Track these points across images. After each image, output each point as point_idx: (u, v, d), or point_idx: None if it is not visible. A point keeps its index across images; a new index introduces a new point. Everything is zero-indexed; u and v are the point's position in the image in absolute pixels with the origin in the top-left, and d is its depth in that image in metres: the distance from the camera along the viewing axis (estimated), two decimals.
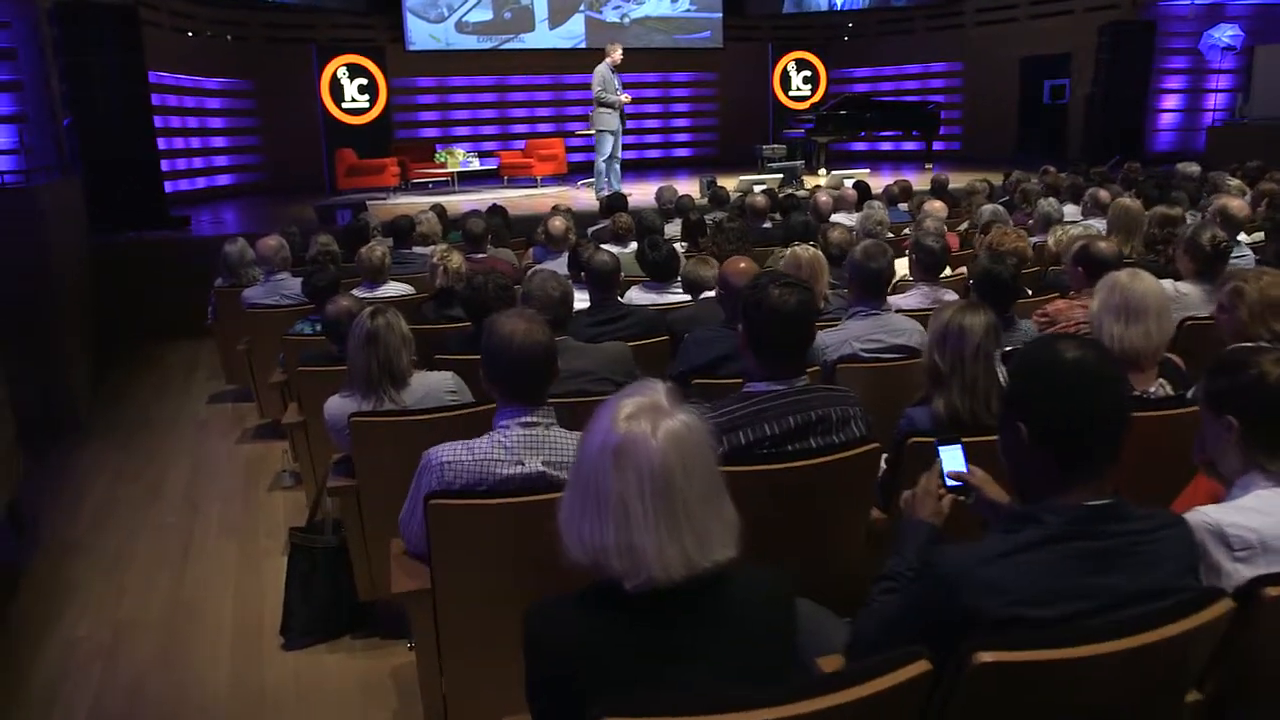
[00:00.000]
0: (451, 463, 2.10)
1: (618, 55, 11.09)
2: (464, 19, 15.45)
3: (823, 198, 7.41)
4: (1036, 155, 15.82)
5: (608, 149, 11.10)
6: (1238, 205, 5.28)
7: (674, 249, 4.97)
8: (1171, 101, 15.45)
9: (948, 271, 5.22)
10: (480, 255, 5.58)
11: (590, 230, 7.31)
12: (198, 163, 12.98)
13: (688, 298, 4.69)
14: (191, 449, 5.46)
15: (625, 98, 11.00)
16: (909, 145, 16.62)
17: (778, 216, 7.72)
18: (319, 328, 4.41)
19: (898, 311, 3.62)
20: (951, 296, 4.55)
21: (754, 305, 2.19)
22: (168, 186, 10.61)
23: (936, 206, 6.38)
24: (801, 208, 7.90)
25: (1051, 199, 7.09)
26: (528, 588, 2.17)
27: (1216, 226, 4.07)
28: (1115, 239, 4.63)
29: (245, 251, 5.99)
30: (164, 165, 10.66)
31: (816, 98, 17.08)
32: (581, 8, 16.30)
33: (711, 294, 4.25)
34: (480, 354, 2.19)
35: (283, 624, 3.21)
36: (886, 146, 17.25)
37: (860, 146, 17.11)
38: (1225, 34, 14.93)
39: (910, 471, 2.38)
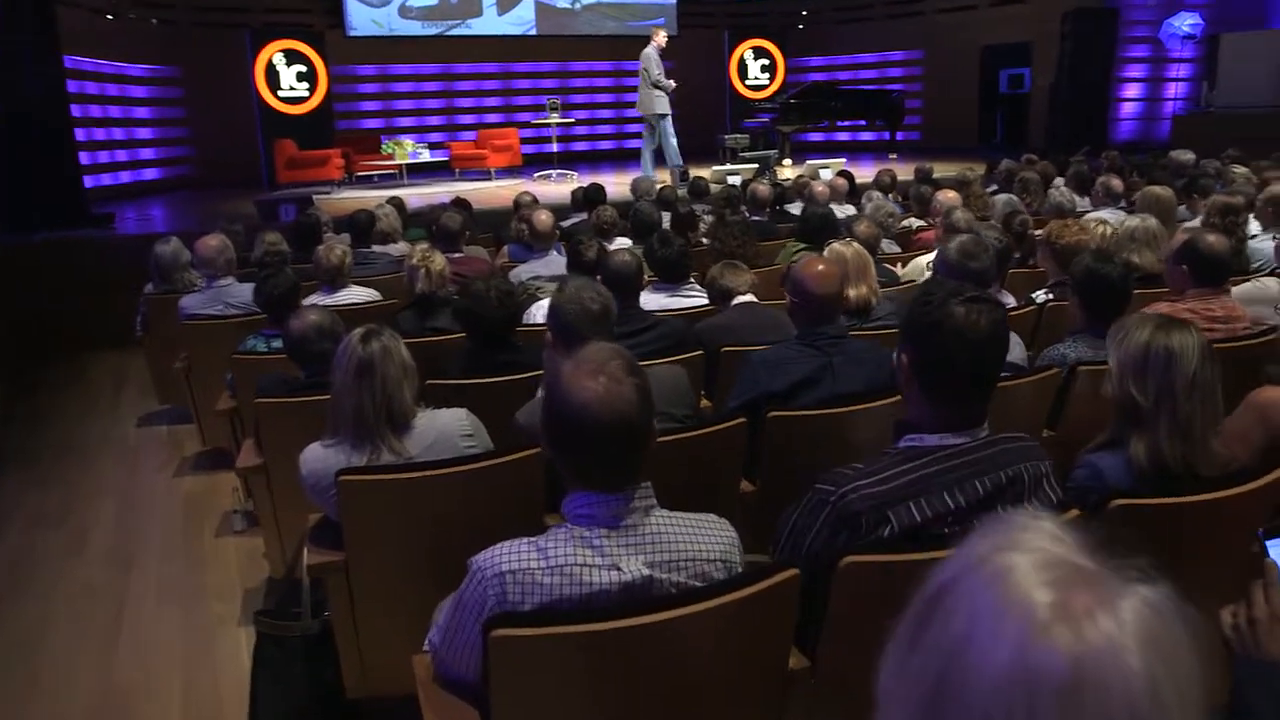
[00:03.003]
0: (516, 573, 1.44)
1: (662, 39, 11.28)
2: (407, 3, 14.60)
3: (819, 187, 6.85)
4: (999, 144, 15.56)
5: (659, 132, 11.20)
6: None
7: (685, 245, 4.37)
8: (1133, 90, 15.29)
9: None
10: (457, 254, 4.89)
11: (564, 225, 6.65)
12: (121, 155, 11.97)
13: (703, 300, 4.10)
14: (122, 484, 4.67)
15: (671, 83, 11.10)
16: (867, 135, 16.23)
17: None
18: (274, 345, 3.71)
19: None
20: (1010, 300, 4.01)
21: (930, 329, 1.57)
22: (87, 181, 9.66)
23: (952, 197, 5.84)
24: (796, 199, 7.36)
25: (1064, 188, 6.64)
26: None
27: None
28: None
29: (180, 253, 5.20)
30: (83, 158, 9.71)
31: (775, 87, 16.59)
32: None
33: (745, 299, 3.66)
34: (541, 416, 1.53)
35: None
36: (844, 136, 16.84)
37: (818, 136, 16.68)
38: (1185, 22, 14.79)
39: (1112, 547, 1.80)
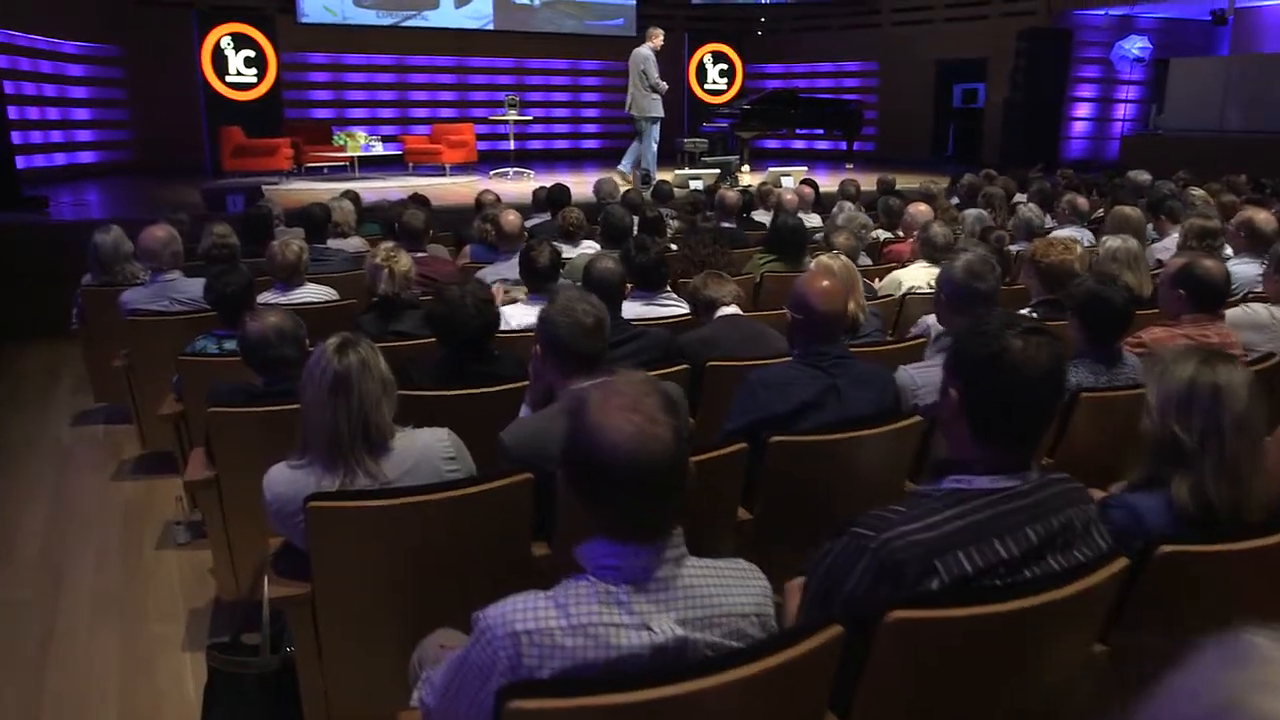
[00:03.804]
0: (533, 633, 1.26)
1: (659, 40, 11.08)
2: None
3: (788, 196, 6.75)
4: (951, 158, 15.70)
5: (655, 135, 11.04)
6: (1264, 218, 4.86)
7: (662, 252, 4.22)
8: (1084, 110, 15.54)
9: None
10: (421, 254, 4.67)
11: (526, 226, 6.45)
12: (56, 136, 11.42)
13: (681, 309, 3.95)
14: (52, 488, 4.36)
15: (665, 85, 10.93)
16: (821, 144, 16.26)
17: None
18: (226, 346, 3.48)
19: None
20: None
21: (985, 364, 1.44)
22: (19, 162, 9.18)
23: (924, 211, 5.78)
24: (760, 206, 7.26)
25: (1032, 204, 6.63)
26: None
27: None
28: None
29: (122, 243, 4.90)
30: (15, 138, 9.22)
31: (733, 93, 16.55)
32: None
33: (729, 311, 3.52)
34: (562, 453, 1.35)
35: None
36: (799, 145, 16.86)
37: (773, 144, 16.67)
38: (1135, 45, 15.09)
39: (1154, 596, 1.69)
